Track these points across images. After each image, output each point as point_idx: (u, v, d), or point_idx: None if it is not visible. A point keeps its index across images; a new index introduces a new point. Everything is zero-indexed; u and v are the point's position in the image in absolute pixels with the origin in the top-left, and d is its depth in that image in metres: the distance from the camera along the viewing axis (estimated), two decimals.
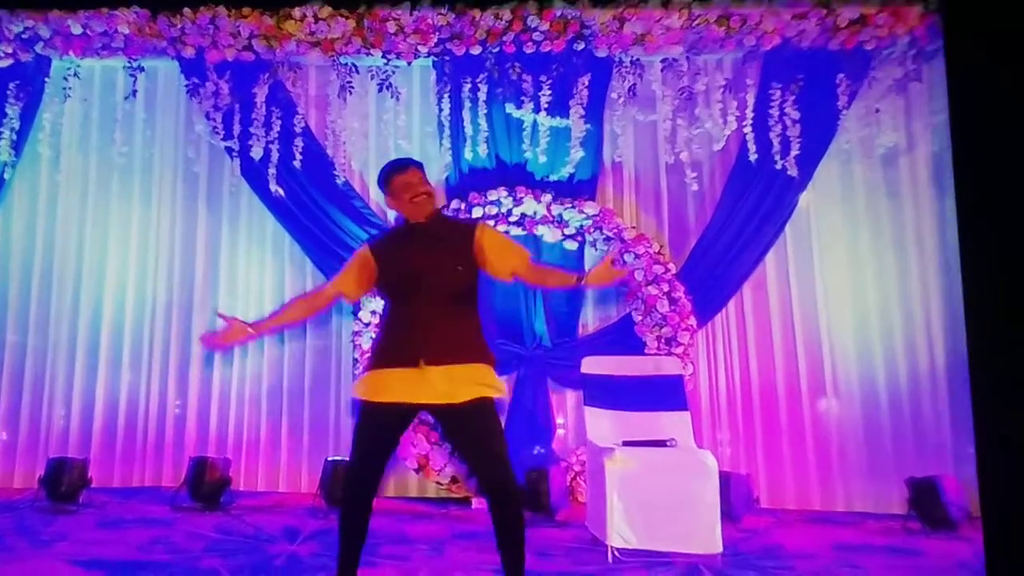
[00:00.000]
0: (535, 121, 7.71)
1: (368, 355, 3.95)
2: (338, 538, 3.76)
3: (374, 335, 7.39)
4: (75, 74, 7.92)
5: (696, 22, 7.42)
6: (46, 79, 7.95)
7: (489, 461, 3.55)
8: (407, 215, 3.89)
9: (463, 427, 3.64)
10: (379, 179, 3.99)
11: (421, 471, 7.35)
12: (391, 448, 3.77)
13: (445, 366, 3.58)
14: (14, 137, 7.83)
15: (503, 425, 3.71)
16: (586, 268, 7.73)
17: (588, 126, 7.66)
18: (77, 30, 7.64)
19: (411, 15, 7.52)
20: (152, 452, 7.80)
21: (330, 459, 6.92)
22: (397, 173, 3.90)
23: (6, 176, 7.90)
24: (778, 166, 7.50)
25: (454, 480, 7.28)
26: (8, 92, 7.83)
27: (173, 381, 7.93)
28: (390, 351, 3.69)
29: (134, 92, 7.91)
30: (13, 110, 7.83)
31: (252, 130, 7.74)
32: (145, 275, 8.07)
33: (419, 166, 3.96)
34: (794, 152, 7.48)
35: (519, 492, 3.72)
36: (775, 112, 7.56)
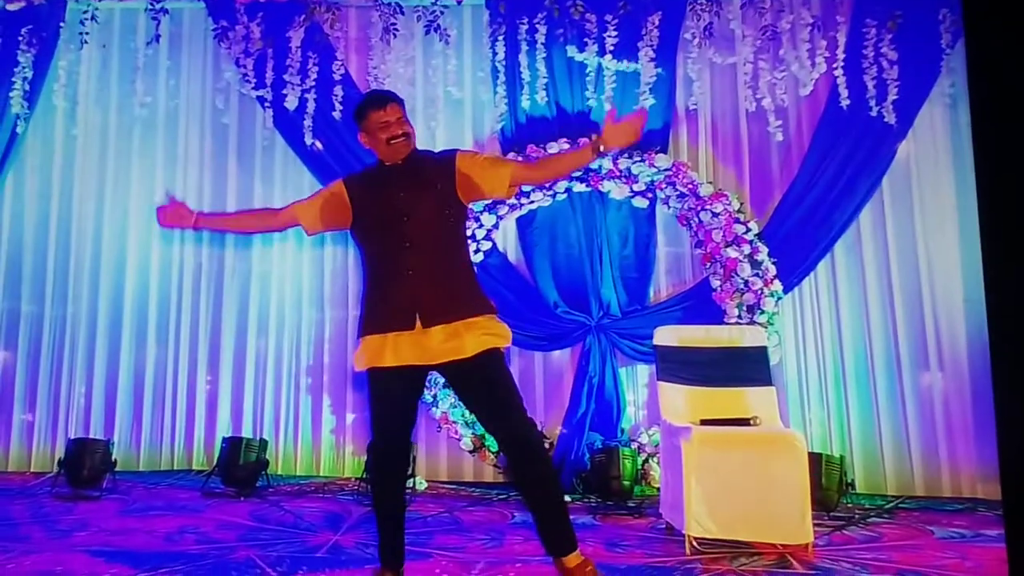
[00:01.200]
0: (600, 65, 7.55)
1: (359, 318, 3.89)
2: (376, 520, 3.80)
3: None
4: (92, 17, 7.82)
5: None
6: (61, 24, 7.86)
7: (504, 414, 3.58)
8: (382, 156, 3.86)
9: (474, 381, 3.66)
10: (354, 113, 3.89)
11: (476, 453, 7.26)
12: (411, 414, 3.79)
13: (444, 324, 3.60)
14: (27, 87, 7.78)
15: (512, 378, 3.74)
16: (657, 230, 7.56)
17: (659, 70, 7.48)
18: None
19: None
20: (181, 432, 7.80)
21: None
22: (373, 108, 3.81)
23: (19, 130, 7.84)
24: (873, 112, 7.27)
25: None
26: (20, 38, 7.76)
27: (204, 355, 7.90)
28: (383, 314, 3.69)
29: (157, 37, 7.83)
30: (26, 58, 7.77)
31: (286, 78, 7.65)
32: (171, 237, 7.99)
33: (399, 102, 3.88)
34: (892, 97, 7.26)
35: (542, 445, 3.73)
36: (869, 52, 7.34)
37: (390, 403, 3.68)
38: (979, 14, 1.87)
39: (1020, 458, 1.73)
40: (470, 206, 4.00)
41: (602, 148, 3.65)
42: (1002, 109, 1.78)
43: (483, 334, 3.59)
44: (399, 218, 3.67)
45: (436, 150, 7.76)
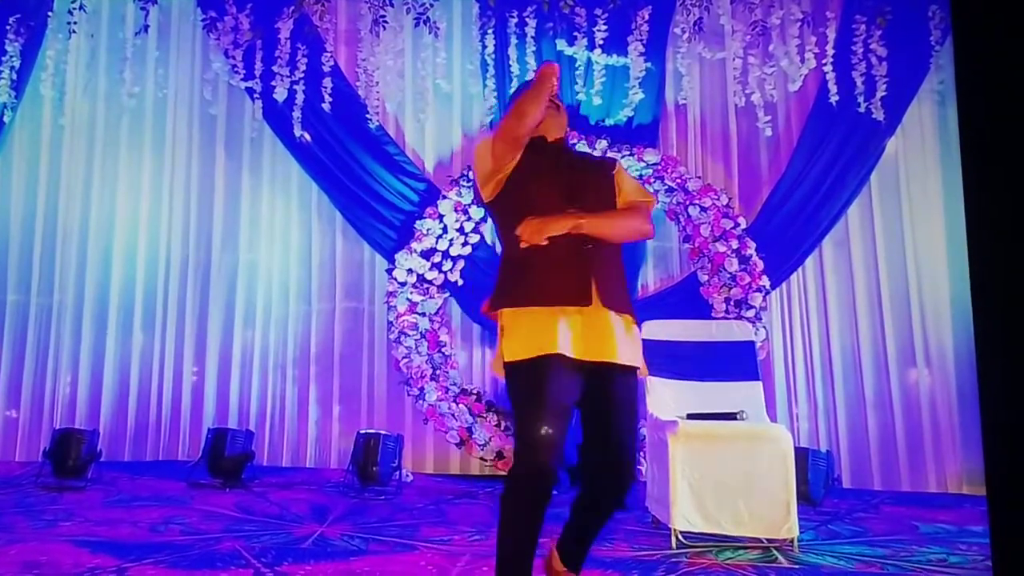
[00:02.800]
0: (589, 59, 7.56)
1: (505, 291, 3.23)
2: (505, 547, 3.02)
3: (411, 297, 7.26)
4: (81, 7, 7.80)
5: None
6: (49, 13, 7.84)
7: (618, 444, 3.07)
8: (541, 129, 3.37)
9: (609, 393, 3.09)
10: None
11: (463, 446, 7.25)
12: (569, 417, 3.12)
13: (616, 313, 3.11)
14: (14, 76, 7.76)
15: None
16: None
17: (648, 65, 7.49)
18: None
19: None
20: (167, 423, 7.79)
21: (362, 432, 6.79)
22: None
23: (6, 119, 7.83)
24: (862, 109, 7.29)
25: (499, 456, 7.17)
26: (8, 27, 7.75)
27: (190, 345, 7.91)
28: (552, 285, 3.09)
29: (146, 27, 7.80)
30: (13, 47, 7.75)
31: (275, 69, 7.62)
32: (158, 228, 8.02)
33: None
34: (880, 93, 7.28)
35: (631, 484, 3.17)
36: (859, 49, 7.35)
37: (559, 398, 3.02)
38: (967, 10, 1.86)
39: (1004, 454, 1.73)
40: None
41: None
42: (989, 105, 1.78)
43: (637, 348, 3.18)
44: (579, 195, 3.26)
45: (425, 143, 7.82)
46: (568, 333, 3.01)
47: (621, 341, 3.06)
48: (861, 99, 7.26)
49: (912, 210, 7.44)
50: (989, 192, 1.73)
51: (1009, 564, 1.73)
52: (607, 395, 3.08)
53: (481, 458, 7.24)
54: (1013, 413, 1.68)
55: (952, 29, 1.92)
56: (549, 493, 2.96)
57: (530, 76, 7.38)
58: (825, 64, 7.36)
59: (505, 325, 3.14)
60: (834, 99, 7.28)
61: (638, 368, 3.16)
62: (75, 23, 7.75)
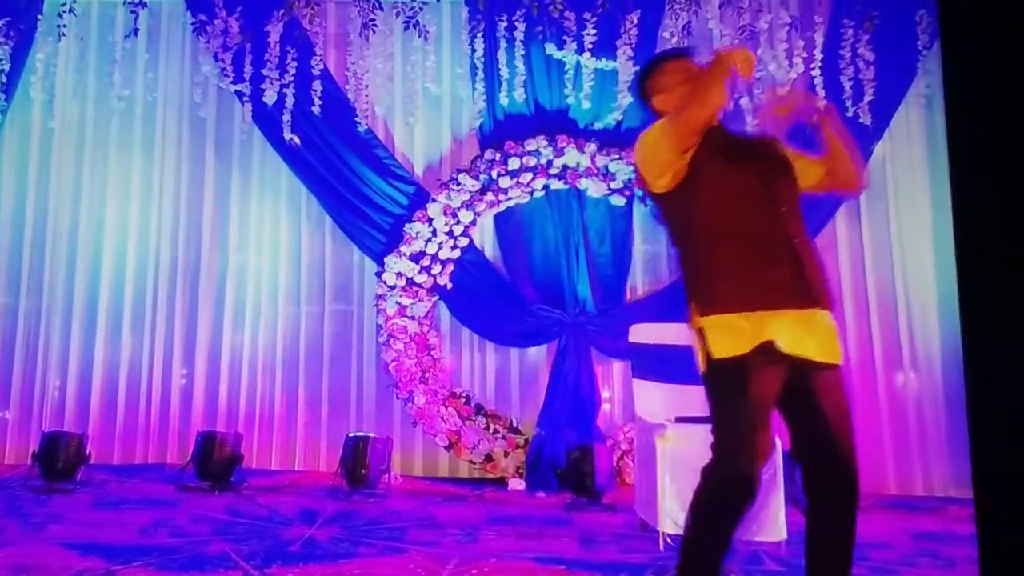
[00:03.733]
0: (578, 63, 7.55)
1: (712, 295, 3.05)
2: (698, 553, 2.98)
3: (400, 300, 7.27)
4: (71, 10, 7.78)
5: None
6: (39, 16, 7.82)
7: (838, 449, 2.91)
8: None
9: (820, 396, 2.93)
10: (639, 80, 3.46)
11: (452, 448, 7.27)
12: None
13: (825, 310, 3.00)
14: (4, 80, 7.75)
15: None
16: (634, 227, 7.59)
17: (638, 68, 7.35)
18: None
19: None
20: (156, 426, 7.75)
21: (352, 435, 6.79)
22: (669, 60, 3.41)
23: None
24: (850, 113, 7.29)
25: (488, 458, 7.19)
26: None
27: (179, 348, 7.88)
28: (770, 286, 2.97)
29: (135, 30, 7.76)
30: (3, 50, 7.73)
31: (265, 72, 7.61)
32: (147, 231, 8.00)
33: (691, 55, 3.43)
34: (868, 97, 7.32)
35: (859, 489, 2.95)
36: (846, 53, 7.39)
37: (765, 398, 2.94)
38: (955, 14, 1.88)
39: (991, 456, 1.75)
40: None
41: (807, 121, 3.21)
42: (977, 109, 1.80)
43: (837, 343, 3.02)
44: (766, 183, 3.14)
45: (414, 146, 7.82)
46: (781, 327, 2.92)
47: (820, 337, 2.95)
48: (849, 103, 7.29)
49: (899, 214, 7.48)
50: (977, 196, 1.75)
51: (996, 566, 1.75)
52: (813, 396, 2.95)
53: (470, 461, 7.25)
54: (1001, 415, 1.71)
55: (940, 31, 1.94)
56: (747, 491, 2.90)
57: (519, 79, 7.44)
58: (813, 68, 7.39)
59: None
60: (822, 104, 7.26)
61: (839, 365, 2.99)
62: (65, 26, 7.74)
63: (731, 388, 2.94)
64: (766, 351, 2.87)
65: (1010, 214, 1.69)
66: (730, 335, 2.94)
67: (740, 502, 2.90)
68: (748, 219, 3.07)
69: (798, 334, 2.89)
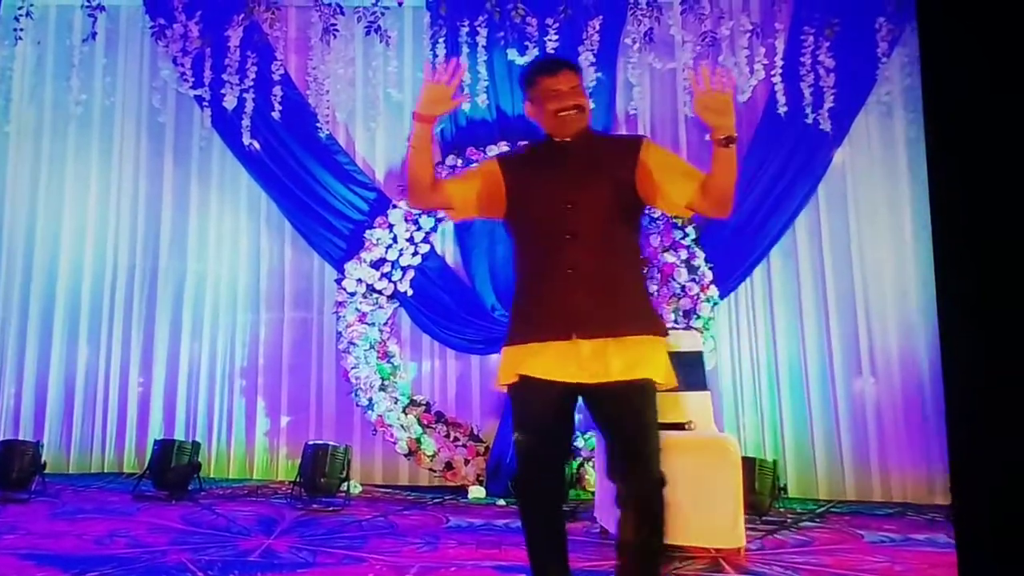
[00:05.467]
0: None
1: (511, 321, 3.30)
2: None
3: (360, 307, 7.28)
4: (27, 13, 7.71)
5: None
6: None
7: (630, 464, 3.03)
8: (548, 131, 3.30)
9: (610, 414, 3.09)
10: (521, 78, 3.39)
11: (412, 456, 7.27)
12: (562, 441, 3.24)
13: (602, 339, 3.06)
14: None
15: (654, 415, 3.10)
16: None
17: (599, 75, 7.51)
18: None
19: None
20: (113, 435, 7.74)
21: (311, 443, 6.77)
22: (544, 74, 3.28)
23: None
24: (810, 120, 7.34)
25: (448, 466, 7.19)
26: None
27: (136, 356, 7.86)
28: (536, 318, 3.16)
29: (93, 34, 7.70)
30: None
31: (225, 77, 7.58)
32: (105, 238, 7.98)
33: (576, 70, 3.33)
34: (828, 104, 7.34)
35: (662, 510, 3.02)
36: (807, 60, 7.39)
37: (538, 422, 3.13)
38: (933, 20, 1.91)
39: (970, 463, 1.78)
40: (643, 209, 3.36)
41: (725, 136, 2.95)
42: (953, 113, 1.83)
43: (637, 360, 3.05)
44: (563, 204, 3.15)
45: (375, 152, 7.81)
46: (544, 359, 3.09)
47: (588, 362, 3.03)
48: (809, 110, 7.32)
49: (859, 221, 7.54)
50: (949, 203, 1.79)
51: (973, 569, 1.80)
52: (602, 415, 3.13)
53: (430, 469, 7.26)
54: (975, 419, 1.75)
55: (919, 38, 1.97)
56: (536, 486, 3.15)
57: (482, 85, 7.46)
58: (774, 75, 7.41)
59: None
60: (782, 110, 7.35)
61: (643, 380, 3.06)
62: (22, 30, 7.68)
63: (513, 406, 3.25)
64: (527, 384, 3.12)
65: (985, 217, 1.73)
66: (505, 366, 3.21)
67: (531, 510, 3.21)
68: (535, 240, 3.26)
69: (567, 362, 3.05)
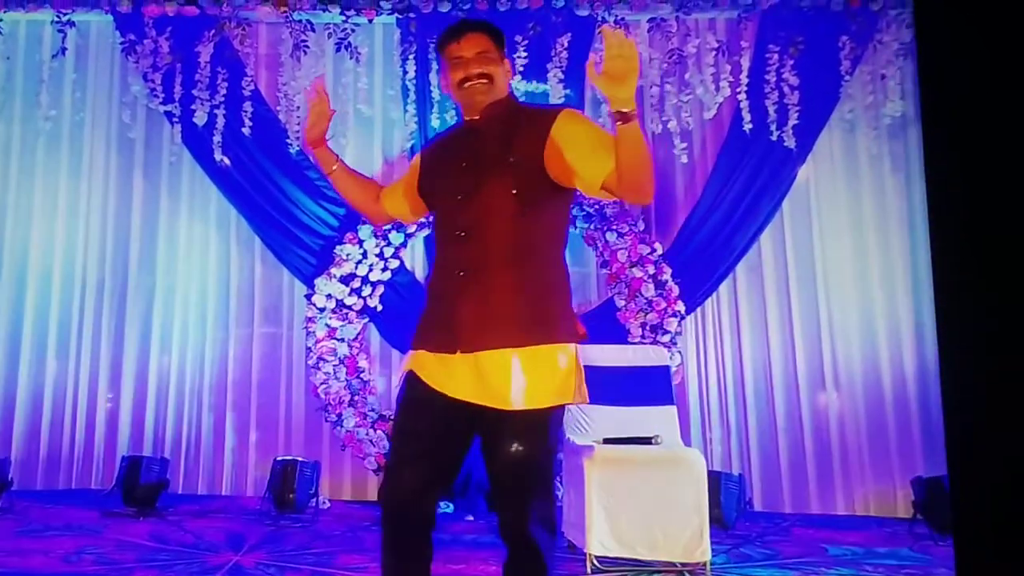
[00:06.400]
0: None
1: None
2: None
3: (330, 322, 7.27)
4: None
5: None
6: None
7: (512, 499, 2.66)
8: (461, 107, 2.93)
9: (496, 440, 2.68)
10: (439, 40, 2.95)
11: (381, 472, 7.18)
12: (444, 453, 2.75)
13: (487, 353, 2.65)
14: None
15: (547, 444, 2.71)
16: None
17: (568, 91, 7.55)
18: None
19: None
20: (81, 451, 7.66)
21: (279, 459, 6.76)
22: (448, 39, 2.87)
23: None
24: (774, 137, 7.41)
25: None
26: None
27: (105, 372, 7.78)
28: (426, 325, 2.83)
29: (63, 49, 7.68)
30: None
31: (195, 93, 7.57)
32: (74, 253, 7.90)
33: (486, 31, 2.88)
34: (792, 121, 7.39)
35: (543, 551, 2.66)
36: (772, 78, 7.47)
37: (411, 434, 2.74)
38: (932, 26, 1.90)
39: (968, 472, 1.77)
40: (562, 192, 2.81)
41: (623, 109, 2.44)
42: (954, 131, 1.82)
43: (540, 383, 2.63)
44: (457, 197, 2.78)
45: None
46: (432, 368, 2.74)
47: (480, 380, 2.65)
48: (774, 127, 7.39)
49: (823, 236, 7.60)
50: (949, 213, 1.77)
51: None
52: (489, 440, 2.72)
53: None
54: (972, 420, 1.74)
55: (916, 51, 1.96)
56: (398, 497, 2.69)
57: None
58: (739, 93, 7.47)
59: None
60: (748, 127, 7.40)
61: (539, 410, 2.65)
62: None
63: (397, 406, 2.85)
64: (411, 383, 2.77)
65: (983, 213, 1.71)
66: (407, 360, 2.86)
67: (389, 529, 2.70)
68: (436, 238, 2.92)
69: (454, 376, 2.69)
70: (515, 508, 2.64)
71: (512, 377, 2.61)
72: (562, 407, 2.71)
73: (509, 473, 2.64)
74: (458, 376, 2.66)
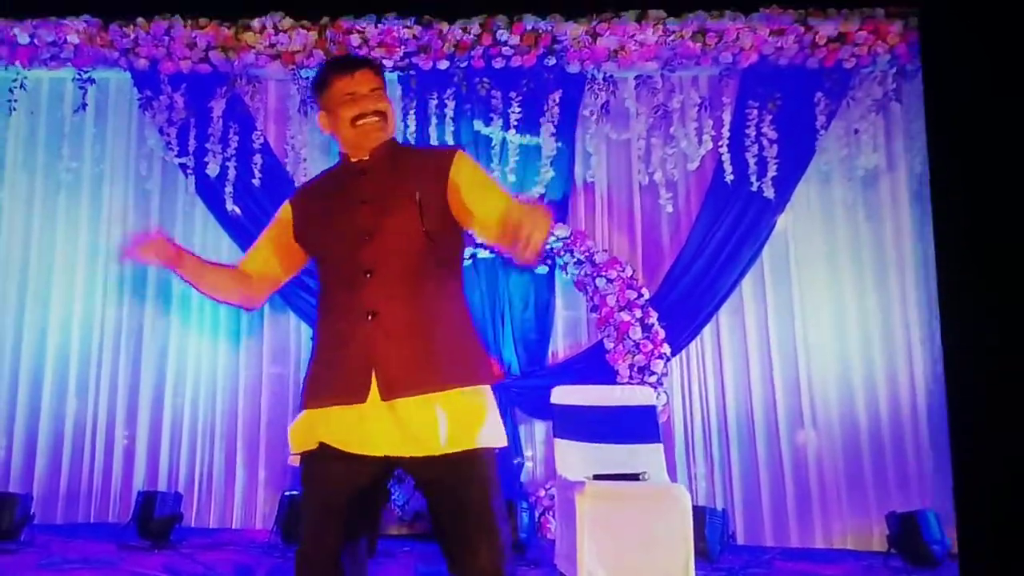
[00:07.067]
0: (504, 139, 7.77)
1: (305, 380, 2.80)
2: None
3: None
4: (22, 86, 7.85)
5: (671, 37, 7.47)
6: None
7: (469, 546, 2.50)
8: (345, 146, 2.77)
9: (442, 490, 2.57)
10: (311, 83, 2.84)
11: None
12: (361, 518, 2.66)
13: (410, 396, 2.51)
14: None
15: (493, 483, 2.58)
16: (556, 294, 7.79)
17: (559, 144, 7.71)
18: (24, 39, 7.61)
19: (376, 27, 7.56)
20: (99, 486, 7.77)
21: (287, 494, 6.86)
22: (337, 74, 2.74)
23: None
24: (754, 187, 7.56)
25: (417, 516, 7.24)
26: None
27: (122, 410, 7.88)
28: (328, 377, 2.63)
29: (84, 105, 7.86)
30: None
31: (208, 146, 7.75)
32: (93, 298, 8.03)
33: (375, 69, 2.79)
34: (771, 173, 7.54)
35: None
36: (752, 131, 7.62)
37: (319, 506, 2.63)
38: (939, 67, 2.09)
39: (971, 470, 1.96)
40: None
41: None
42: (955, 116, 2.02)
43: (470, 425, 2.53)
44: (359, 236, 2.61)
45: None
46: (335, 427, 2.61)
47: (405, 428, 2.52)
48: (754, 178, 7.53)
49: (800, 282, 7.73)
50: (955, 249, 1.98)
51: None
52: (434, 491, 2.62)
53: (400, 518, 7.34)
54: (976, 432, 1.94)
55: (924, 101, 2.17)
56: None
57: None
58: (721, 145, 7.63)
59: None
60: (729, 178, 7.57)
61: (474, 451, 2.54)
62: (15, 100, 7.82)
63: (303, 480, 2.72)
64: (321, 456, 2.62)
65: (986, 223, 1.91)
66: (295, 433, 2.75)
67: None
68: (329, 282, 2.75)
69: (368, 431, 2.54)
70: (488, 550, 2.48)
71: (438, 420, 2.50)
72: (494, 450, 2.60)
73: (474, 522, 2.51)
74: (375, 430, 2.53)
